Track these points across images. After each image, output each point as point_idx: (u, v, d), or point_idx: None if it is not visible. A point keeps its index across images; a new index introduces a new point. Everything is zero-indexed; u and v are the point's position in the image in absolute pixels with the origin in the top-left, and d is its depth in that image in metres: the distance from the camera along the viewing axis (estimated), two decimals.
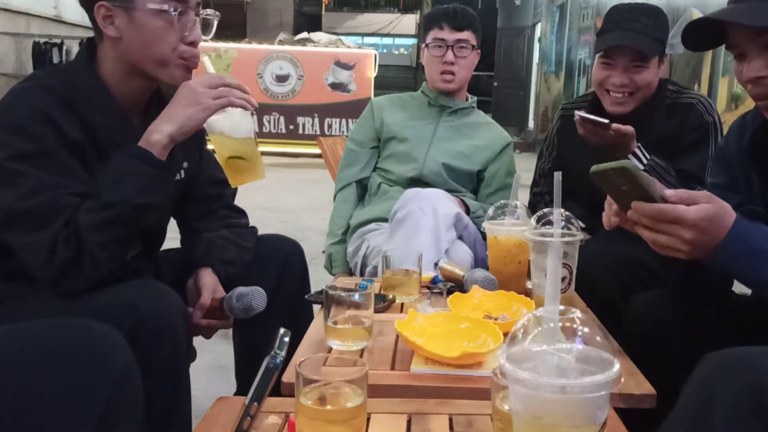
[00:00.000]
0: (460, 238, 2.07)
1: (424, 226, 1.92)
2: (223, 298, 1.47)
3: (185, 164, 1.56)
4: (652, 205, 1.07)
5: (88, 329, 1.05)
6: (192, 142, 1.58)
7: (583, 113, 1.79)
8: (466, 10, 2.30)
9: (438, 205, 1.97)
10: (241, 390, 1.70)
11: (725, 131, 1.50)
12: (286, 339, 0.88)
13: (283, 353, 0.86)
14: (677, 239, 1.07)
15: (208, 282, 1.49)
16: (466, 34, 2.24)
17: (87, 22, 1.37)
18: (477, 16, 2.33)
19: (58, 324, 1.06)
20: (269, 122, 11.25)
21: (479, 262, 2.04)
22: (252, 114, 1.39)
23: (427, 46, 2.28)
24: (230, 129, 1.37)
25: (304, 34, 12.55)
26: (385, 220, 2.12)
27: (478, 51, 2.30)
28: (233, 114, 1.36)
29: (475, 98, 2.39)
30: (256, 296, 1.44)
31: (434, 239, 1.91)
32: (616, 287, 1.65)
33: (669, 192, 1.08)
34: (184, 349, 1.31)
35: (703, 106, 1.86)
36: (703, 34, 1.27)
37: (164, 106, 1.38)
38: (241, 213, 1.75)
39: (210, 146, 1.57)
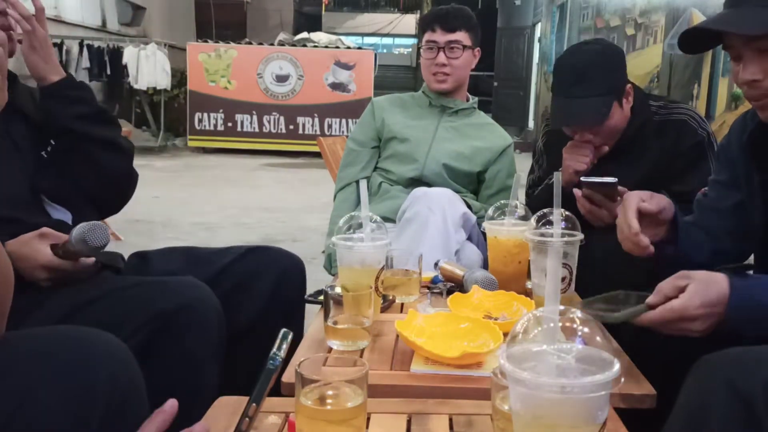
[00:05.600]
0: (468, 238, 2.08)
1: (432, 226, 1.92)
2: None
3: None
4: (653, 313, 1.11)
5: (84, 344, 1.02)
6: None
7: (589, 178, 1.68)
8: (461, 11, 2.30)
9: (447, 206, 1.98)
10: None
11: (726, 131, 1.50)
12: (287, 340, 0.87)
13: (282, 354, 0.86)
14: (689, 332, 1.11)
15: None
16: (458, 35, 2.24)
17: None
18: (473, 15, 2.32)
19: (53, 337, 1.03)
20: (269, 122, 11.25)
21: (483, 262, 2.04)
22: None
23: (420, 48, 2.30)
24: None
25: (304, 34, 12.57)
26: (387, 219, 2.12)
27: (478, 49, 2.29)
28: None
29: (476, 99, 2.39)
30: (86, 229, 1.28)
31: (443, 240, 1.92)
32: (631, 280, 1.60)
33: (652, 299, 1.12)
34: (214, 341, 1.33)
35: (695, 121, 1.81)
36: (699, 38, 1.28)
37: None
38: None
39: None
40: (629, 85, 1.81)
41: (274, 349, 0.86)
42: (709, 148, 1.78)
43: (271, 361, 0.85)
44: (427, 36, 2.28)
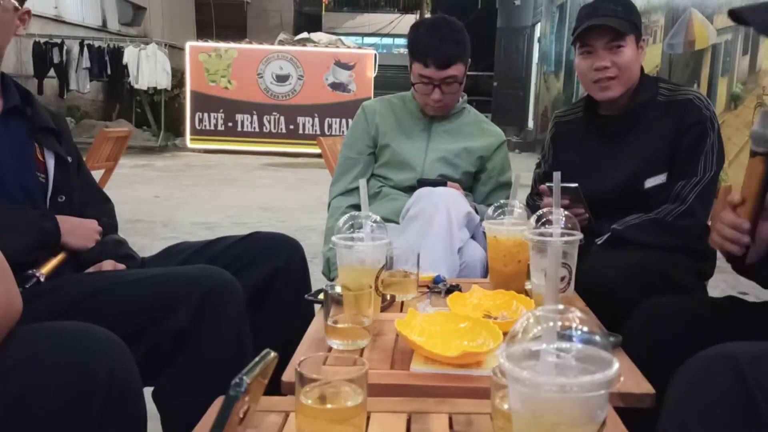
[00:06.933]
0: (472, 237, 2.08)
1: (437, 223, 1.93)
2: None
3: (69, 159, 1.61)
4: None
5: (81, 340, 1.02)
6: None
7: (547, 185, 1.75)
8: (454, 39, 2.15)
9: (451, 204, 1.98)
10: None
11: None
12: (265, 361, 0.81)
13: (249, 379, 0.77)
14: None
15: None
16: (452, 70, 2.13)
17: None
18: (465, 36, 2.18)
19: (50, 333, 1.03)
20: (269, 122, 11.26)
21: (485, 260, 2.05)
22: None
23: (412, 75, 2.21)
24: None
25: (304, 34, 12.58)
26: (388, 220, 2.11)
27: (468, 60, 2.23)
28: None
29: (466, 96, 2.35)
30: None
31: (446, 237, 1.92)
32: (635, 290, 1.58)
33: None
34: (244, 313, 1.43)
35: (700, 101, 1.85)
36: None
37: (8, 88, 1.48)
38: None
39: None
40: (643, 40, 1.91)
41: (242, 374, 0.77)
42: (711, 128, 1.83)
43: (234, 388, 0.76)
44: (418, 69, 2.16)
